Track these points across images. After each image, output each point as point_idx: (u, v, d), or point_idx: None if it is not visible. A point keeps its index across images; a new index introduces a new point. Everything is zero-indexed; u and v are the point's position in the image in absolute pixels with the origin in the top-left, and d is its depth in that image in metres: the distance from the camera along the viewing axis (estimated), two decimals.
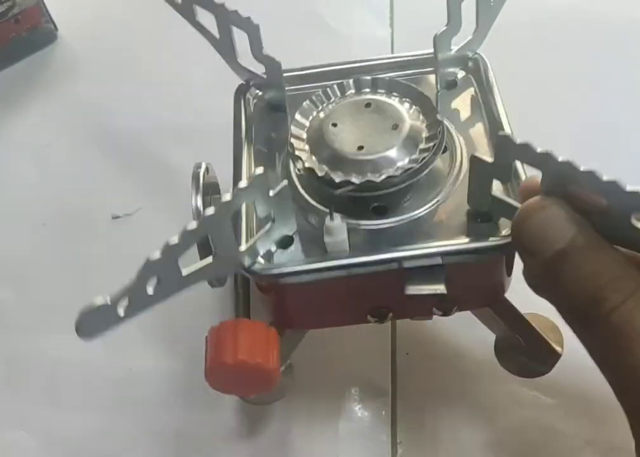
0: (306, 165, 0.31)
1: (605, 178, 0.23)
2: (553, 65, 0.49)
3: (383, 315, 0.33)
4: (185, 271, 0.26)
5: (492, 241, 0.29)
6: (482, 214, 0.31)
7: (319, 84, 0.36)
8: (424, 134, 0.31)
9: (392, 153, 0.30)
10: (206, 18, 0.33)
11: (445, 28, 0.34)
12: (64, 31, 0.50)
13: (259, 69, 0.35)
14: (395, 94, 0.33)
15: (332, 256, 0.30)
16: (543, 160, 0.25)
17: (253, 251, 0.29)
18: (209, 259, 0.27)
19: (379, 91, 0.33)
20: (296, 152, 0.31)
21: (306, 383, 0.40)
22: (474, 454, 0.39)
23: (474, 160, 0.28)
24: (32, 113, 0.48)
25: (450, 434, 0.39)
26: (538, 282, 0.27)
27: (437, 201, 0.32)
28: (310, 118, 0.33)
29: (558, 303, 0.27)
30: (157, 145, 0.47)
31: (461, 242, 0.30)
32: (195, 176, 0.34)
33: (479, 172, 0.29)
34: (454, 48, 0.35)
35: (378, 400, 0.40)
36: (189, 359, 0.41)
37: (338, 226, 0.30)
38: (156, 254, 0.25)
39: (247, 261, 0.29)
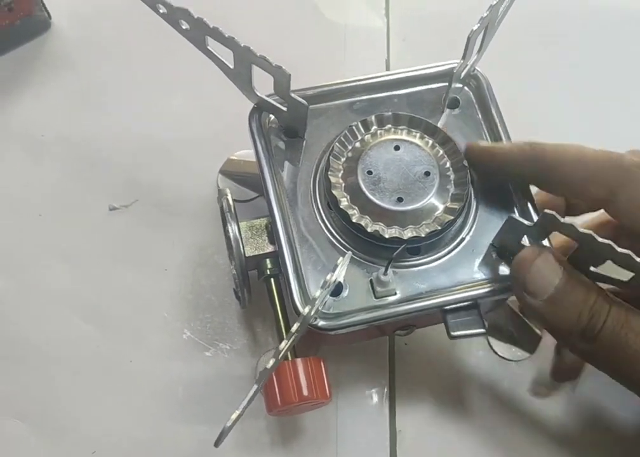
0: (354, 220, 0.33)
1: (582, 230, 0.28)
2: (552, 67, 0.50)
3: (411, 329, 0.37)
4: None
5: None
6: (502, 252, 0.34)
7: (326, 104, 0.38)
8: (452, 176, 0.34)
9: (430, 203, 0.33)
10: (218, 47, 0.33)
11: (461, 61, 0.36)
12: (58, 19, 0.49)
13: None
14: (415, 131, 0.35)
15: (382, 303, 0.33)
16: (583, 238, 0.29)
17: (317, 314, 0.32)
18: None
19: (399, 127, 0.35)
20: (341, 206, 0.33)
21: None
22: (474, 441, 0.40)
23: (511, 221, 0.32)
24: (26, 103, 0.47)
25: (449, 421, 0.40)
26: (536, 315, 0.32)
27: (462, 238, 0.35)
28: (343, 160, 0.35)
29: (555, 333, 0.32)
30: (153, 136, 0.47)
31: (493, 284, 0.34)
32: (227, 207, 0.36)
33: (512, 228, 0.32)
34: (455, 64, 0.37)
35: (377, 391, 0.41)
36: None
37: (390, 279, 0.33)
38: (272, 361, 0.29)
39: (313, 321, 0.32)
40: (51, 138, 0.46)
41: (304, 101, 0.35)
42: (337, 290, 0.33)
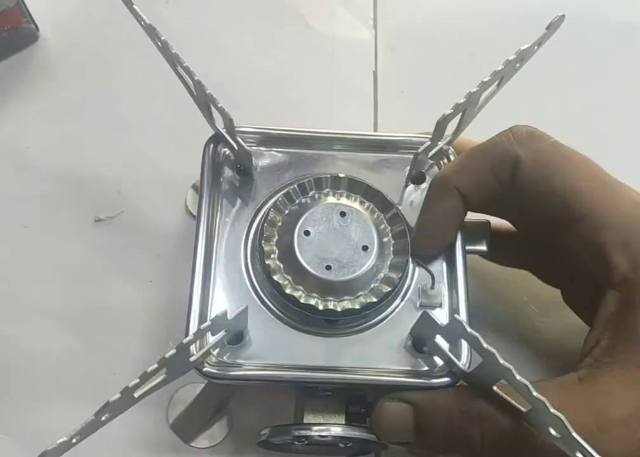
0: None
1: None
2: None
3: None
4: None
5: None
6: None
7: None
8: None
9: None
10: None
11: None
12: (45, 31, 0.49)
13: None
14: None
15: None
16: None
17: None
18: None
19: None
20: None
21: None
22: None
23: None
24: (13, 114, 0.47)
25: None
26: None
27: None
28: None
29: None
30: (139, 147, 0.47)
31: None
32: None
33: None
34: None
35: None
36: None
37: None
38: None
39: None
40: (37, 149, 0.46)
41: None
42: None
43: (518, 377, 0.26)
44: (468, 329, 0.27)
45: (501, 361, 0.26)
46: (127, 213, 0.45)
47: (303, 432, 0.31)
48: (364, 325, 0.33)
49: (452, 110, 0.32)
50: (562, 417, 0.25)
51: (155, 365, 0.27)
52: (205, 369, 0.31)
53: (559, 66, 0.50)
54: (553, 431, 0.27)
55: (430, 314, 0.29)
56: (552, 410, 0.25)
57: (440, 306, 0.33)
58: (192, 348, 0.30)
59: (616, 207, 0.32)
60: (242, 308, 0.30)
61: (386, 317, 0.33)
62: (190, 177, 0.44)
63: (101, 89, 0.49)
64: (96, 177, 0.46)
